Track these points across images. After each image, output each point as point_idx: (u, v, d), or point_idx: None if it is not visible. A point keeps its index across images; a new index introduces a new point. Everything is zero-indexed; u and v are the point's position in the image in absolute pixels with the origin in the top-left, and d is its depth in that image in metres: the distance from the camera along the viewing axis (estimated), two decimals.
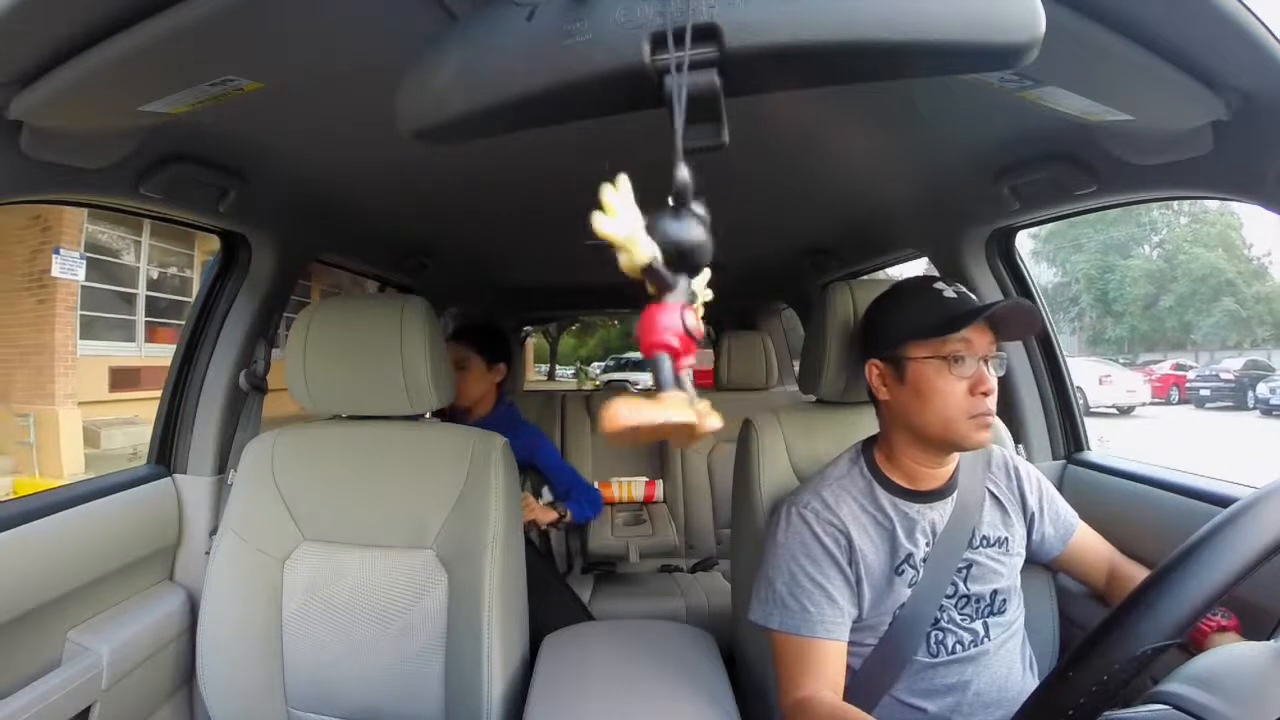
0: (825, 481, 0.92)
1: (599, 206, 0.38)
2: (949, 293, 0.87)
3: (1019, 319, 0.86)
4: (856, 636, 0.87)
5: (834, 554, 0.86)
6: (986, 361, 0.84)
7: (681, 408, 0.37)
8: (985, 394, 0.83)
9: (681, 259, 0.39)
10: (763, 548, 0.93)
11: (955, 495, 0.89)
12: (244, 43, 0.62)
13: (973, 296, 0.88)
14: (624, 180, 0.37)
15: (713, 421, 0.39)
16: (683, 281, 0.40)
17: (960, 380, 0.83)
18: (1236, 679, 0.46)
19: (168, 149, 0.89)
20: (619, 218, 0.36)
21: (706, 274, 0.44)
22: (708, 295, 0.45)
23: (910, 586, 0.86)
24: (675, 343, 0.39)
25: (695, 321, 0.40)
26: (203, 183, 0.99)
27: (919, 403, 0.85)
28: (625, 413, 0.35)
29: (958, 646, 0.86)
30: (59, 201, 0.93)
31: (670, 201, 0.39)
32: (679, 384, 0.39)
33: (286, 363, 1.09)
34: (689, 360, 0.40)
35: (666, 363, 0.39)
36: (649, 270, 0.38)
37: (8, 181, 0.74)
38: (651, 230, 0.39)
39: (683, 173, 0.38)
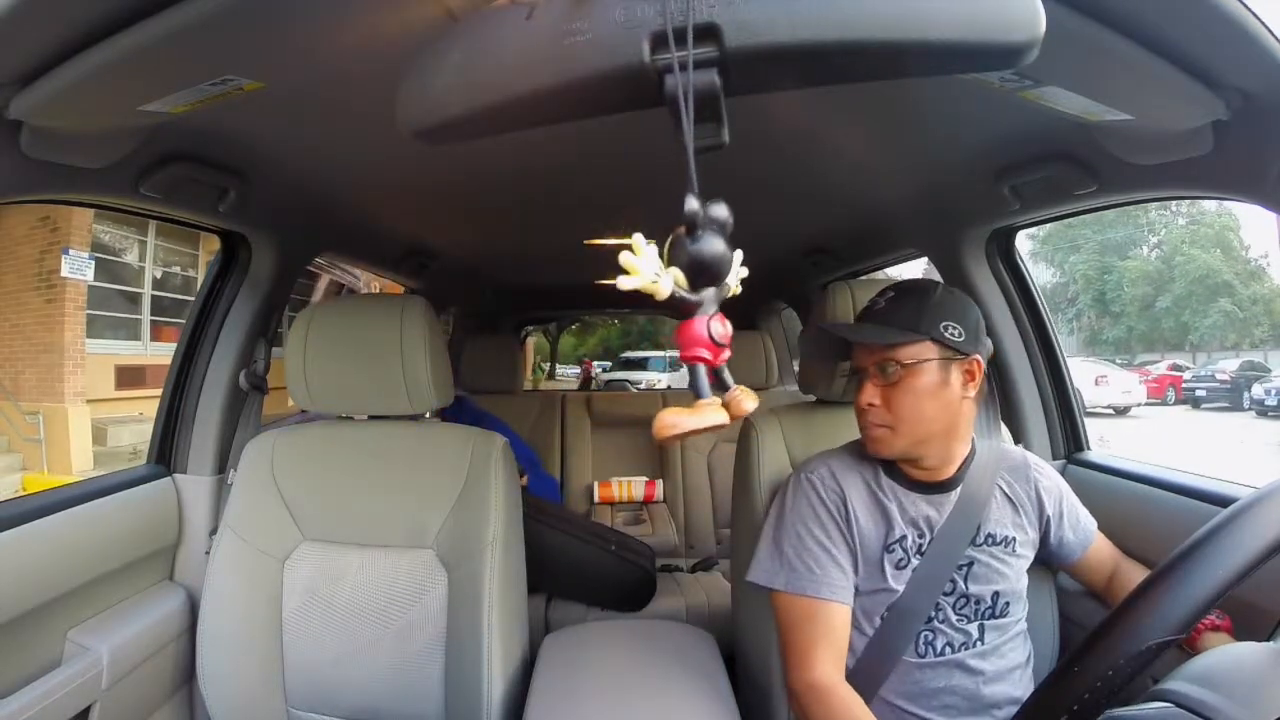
0: (837, 455, 0.94)
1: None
2: (880, 304, 0.90)
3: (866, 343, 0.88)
4: (855, 622, 0.87)
5: (836, 518, 0.88)
6: (875, 374, 0.87)
7: (714, 413, 0.45)
8: (860, 408, 0.88)
9: (703, 275, 0.44)
10: (767, 513, 0.95)
11: (959, 491, 0.89)
12: (244, 43, 0.62)
13: (880, 302, 0.89)
14: (638, 237, 0.42)
15: (748, 404, 0.47)
16: (708, 294, 0.45)
17: (860, 391, 0.89)
18: (1238, 677, 0.46)
19: (168, 149, 0.89)
20: (639, 272, 0.42)
21: (739, 254, 0.48)
22: (744, 272, 0.49)
23: (899, 569, 0.86)
24: (706, 354, 0.45)
25: (722, 329, 0.46)
26: (203, 183, 0.99)
27: None
28: (673, 421, 0.43)
29: (946, 648, 0.85)
30: (59, 201, 0.93)
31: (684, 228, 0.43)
32: (719, 381, 0.47)
33: (286, 363, 1.09)
34: (724, 355, 0.47)
35: (701, 372, 0.45)
36: (672, 300, 0.44)
37: (8, 181, 0.74)
38: (673, 254, 0.43)
39: (691, 204, 0.41)
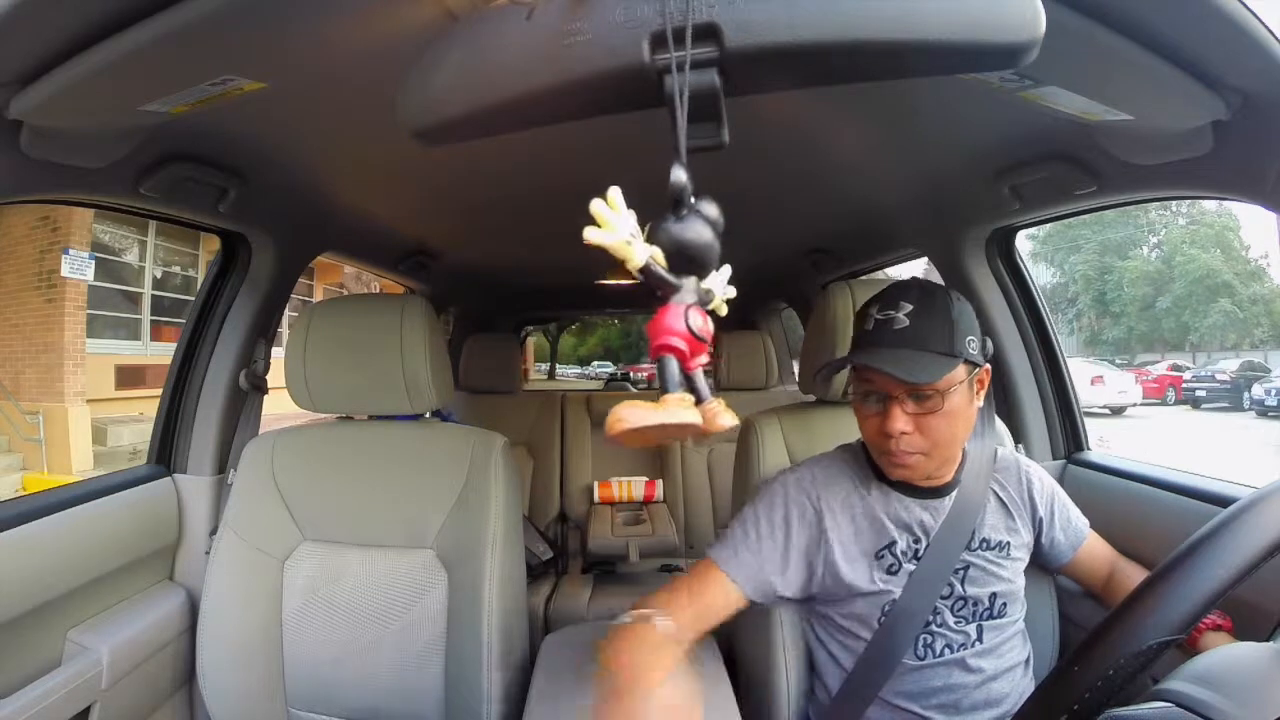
0: (826, 459, 0.94)
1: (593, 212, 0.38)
2: (877, 315, 0.82)
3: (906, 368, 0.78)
4: (849, 626, 0.87)
5: (791, 521, 0.88)
6: (903, 401, 0.80)
7: (683, 409, 0.39)
8: (888, 435, 0.80)
9: (685, 259, 0.41)
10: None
11: (954, 495, 0.88)
12: (244, 43, 0.62)
13: (901, 319, 0.80)
14: (614, 191, 0.39)
15: (725, 419, 0.41)
16: (688, 282, 0.42)
17: (870, 417, 0.84)
18: (1238, 677, 0.46)
19: (168, 149, 0.89)
20: (612, 227, 0.38)
21: (727, 270, 0.45)
22: (730, 292, 0.46)
23: (892, 574, 0.85)
24: (681, 345, 0.40)
25: (701, 322, 0.41)
26: (203, 182, 0.99)
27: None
28: (626, 415, 0.37)
29: (946, 650, 0.85)
30: (59, 201, 0.93)
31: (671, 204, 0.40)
32: (690, 384, 0.41)
33: (286, 362, 1.09)
34: (700, 359, 0.41)
35: (672, 365, 0.40)
36: (645, 273, 0.40)
37: (8, 181, 0.74)
38: (654, 233, 0.40)
39: (679, 175, 0.39)
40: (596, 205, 0.38)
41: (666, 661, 0.78)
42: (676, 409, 0.39)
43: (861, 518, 0.87)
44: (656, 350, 0.41)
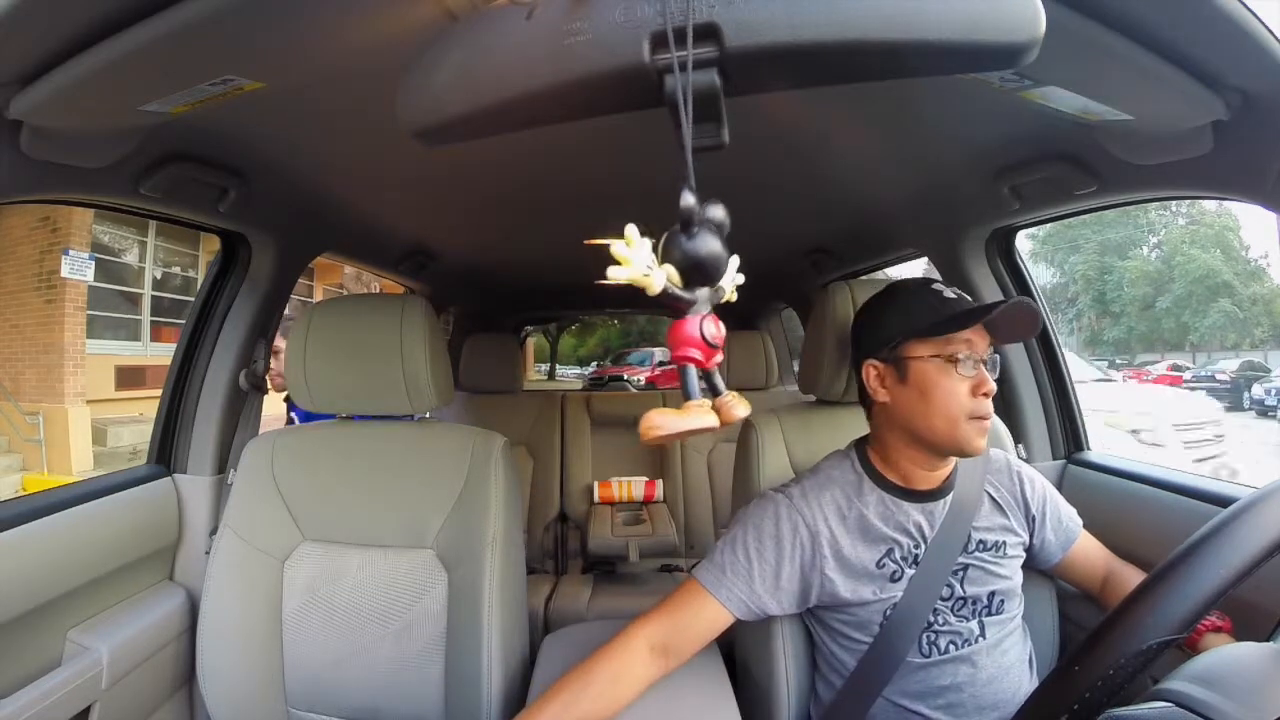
0: (815, 473, 0.93)
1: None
2: (948, 293, 0.87)
3: (1020, 321, 0.84)
4: (851, 629, 0.87)
5: (783, 542, 0.87)
6: (984, 363, 0.84)
7: (705, 414, 0.44)
8: (986, 395, 0.82)
9: (698, 274, 0.43)
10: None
11: (950, 497, 0.88)
12: (244, 43, 0.62)
13: (969, 299, 0.88)
14: (630, 228, 0.41)
15: (739, 410, 0.46)
16: (702, 293, 0.45)
17: (963, 380, 0.82)
18: (1239, 677, 0.46)
19: (167, 149, 0.89)
20: (630, 263, 0.41)
21: (735, 260, 0.47)
22: (739, 279, 0.49)
23: (894, 581, 0.85)
24: (697, 354, 0.45)
25: (715, 329, 0.45)
26: (203, 182, 0.99)
27: (923, 403, 0.84)
28: (659, 422, 0.43)
29: (950, 646, 0.85)
30: (59, 201, 0.93)
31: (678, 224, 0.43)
32: (710, 385, 0.46)
33: (287, 362, 1.09)
34: (717, 359, 0.46)
35: (692, 373, 0.45)
36: (664, 296, 0.43)
37: (8, 181, 0.74)
38: (666, 251, 0.43)
39: (688, 199, 0.41)
40: (618, 247, 0.41)
41: (651, 674, 0.83)
42: (699, 414, 0.44)
43: (857, 529, 0.87)
44: (677, 361, 0.45)
